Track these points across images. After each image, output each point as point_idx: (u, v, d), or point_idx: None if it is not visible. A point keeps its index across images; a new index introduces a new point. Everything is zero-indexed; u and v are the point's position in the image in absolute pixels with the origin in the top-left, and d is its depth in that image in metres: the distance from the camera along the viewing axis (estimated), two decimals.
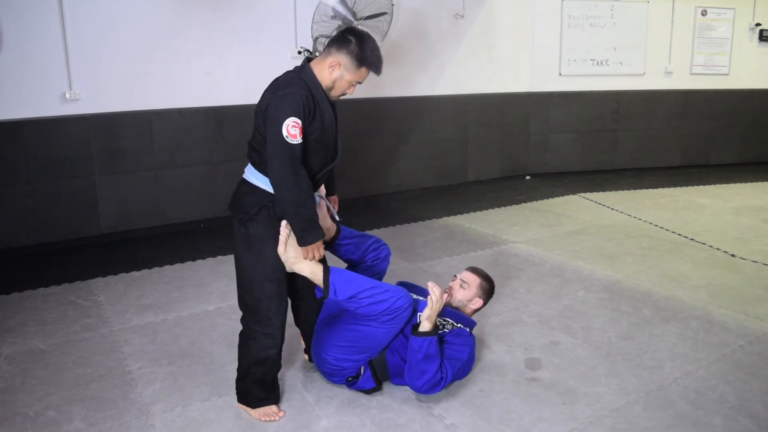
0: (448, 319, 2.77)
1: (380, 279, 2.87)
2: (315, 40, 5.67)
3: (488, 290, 2.95)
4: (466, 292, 2.89)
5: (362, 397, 2.66)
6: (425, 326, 2.56)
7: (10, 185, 4.77)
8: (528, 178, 7.55)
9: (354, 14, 5.51)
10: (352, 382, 2.68)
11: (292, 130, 2.35)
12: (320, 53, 2.60)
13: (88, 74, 4.94)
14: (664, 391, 2.71)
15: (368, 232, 3.08)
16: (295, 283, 2.72)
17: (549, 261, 4.41)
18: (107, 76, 5.01)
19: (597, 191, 6.64)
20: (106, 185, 5.13)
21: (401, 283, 2.92)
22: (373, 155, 6.47)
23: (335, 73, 2.51)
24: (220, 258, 4.58)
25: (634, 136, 7.72)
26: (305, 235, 2.43)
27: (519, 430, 2.45)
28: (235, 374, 2.66)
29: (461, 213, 5.85)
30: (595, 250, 4.64)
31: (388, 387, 2.73)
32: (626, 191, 6.68)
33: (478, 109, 7.10)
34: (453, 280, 2.93)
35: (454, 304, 2.88)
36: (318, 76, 2.52)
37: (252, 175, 2.55)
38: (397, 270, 4.25)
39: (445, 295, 2.70)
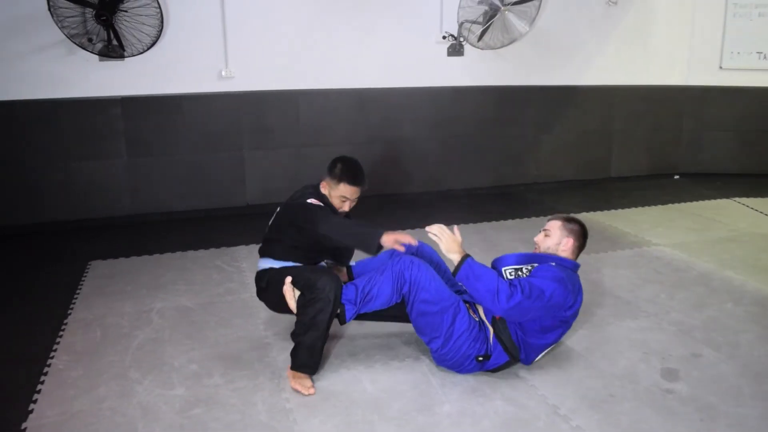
0: (523, 266, 2.76)
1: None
2: (460, 25, 5.65)
3: (573, 228, 2.83)
4: (551, 239, 2.81)
5: (486, 387, 2.64)
6: (453, 258, 2.60)
7: (168, 155, 5.17)
8: (677, 177, 7.09)
9: None
10: (483, 362, 2.68)
11: (315, 201, 2.89)
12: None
13: (243, 54, 5.22)
14: None
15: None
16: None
17: (695, 267, 4.13)
18: (260, 56, 5.28)
19: (755, 196, 6.11)
20: (253, 160, 5.42)
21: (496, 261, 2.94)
22: (512, 144, 6.35)
23: (326, 191, 2.96)
24: None
25: None
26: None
27: None
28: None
29: (601, 209, 5.61)
30: (748, 260, 4.28)
31: (513, 380, 2.70)
32: None
33: (627, 101, 6.76)
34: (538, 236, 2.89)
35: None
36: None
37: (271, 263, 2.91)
38: None
39: (446, 229, 2.68)
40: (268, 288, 2.87)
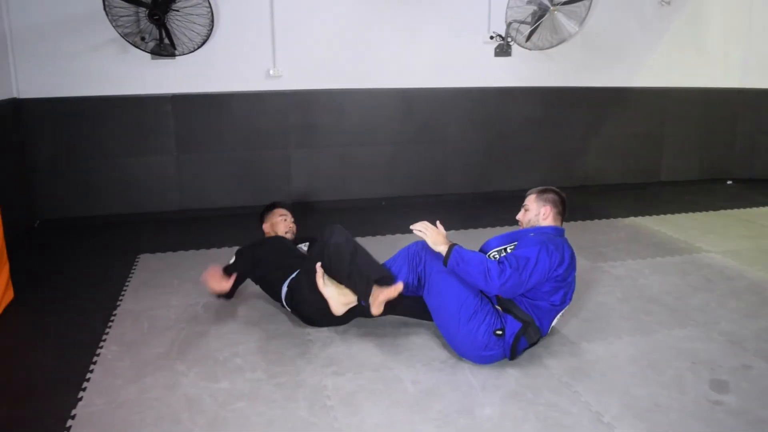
0: (507, 246, 2.91)
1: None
2: (508, 25, 5.59)
3: (548, 197, 2.98)
4: (530, 212, 2.98)
5: (528, 392, 2.61)
6: (441, 250, 2.75)
7: (216, 152, 5.26)
8: (730, 183, 6.90)
9: None
10: (501, 335, 2.74)
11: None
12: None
13: (290, 53, 5.28)
14: None
15: None
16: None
17: (747, 276, 4.01)
18: (307, 55, 5.33)
19: None
20: (299, 158, 5.48)
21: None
22: (559, 146, 6.27)
23: (269, 230, 3.77)
24: (398, 236, 4.71)
25: None
26: None
27: None
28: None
29: (650, 214, 5.49)
30: None
31: (555, 386, 2.66)
32: None
33: (678, 104, 6.60)
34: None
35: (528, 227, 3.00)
36: None
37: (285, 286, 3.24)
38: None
39: (429, 224, 2.85)
40: (295, 288, 3.13)
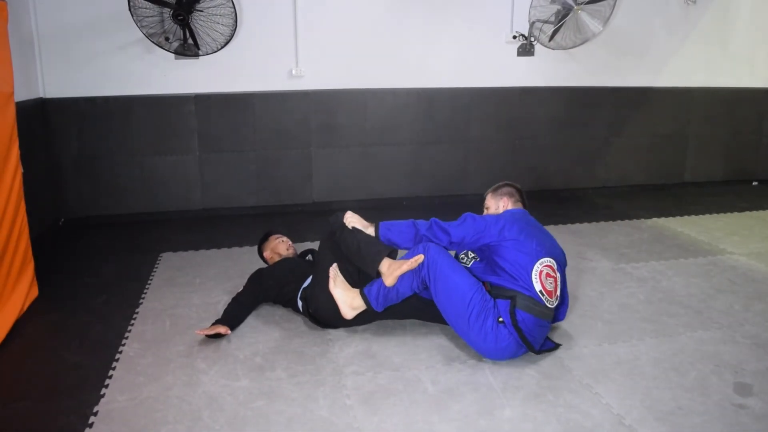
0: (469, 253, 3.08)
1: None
2: (531, 24, 5.56)
3: (503, 191, 3.16)
4: (490, 210, 3.16)
5: (549, 394, 2.60)
6: (370, 232, 3.00)
7: (240, 151, 5.30)
8: (755, 184, 6.79)
9: None
10: (503, 321, 2.74)
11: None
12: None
13: (313, 53, 5.30)
14: None
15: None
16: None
17: None
18: (329, 55, 5.34)
19: None
20: (321, 157, 5.50)
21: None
22: (581, 146, 6.21)
23: (269, 256, 3.73)
24: None
25: None
26: None
27: None
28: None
29: (674, 215, 5.43)
30: None
31: (576, 388, 2.64)
32: None
33: (703, 104, 6.51)
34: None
35: None
36: None
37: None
38: (598, 269, 4.07)
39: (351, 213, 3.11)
40: (309, 295, 3.15)
